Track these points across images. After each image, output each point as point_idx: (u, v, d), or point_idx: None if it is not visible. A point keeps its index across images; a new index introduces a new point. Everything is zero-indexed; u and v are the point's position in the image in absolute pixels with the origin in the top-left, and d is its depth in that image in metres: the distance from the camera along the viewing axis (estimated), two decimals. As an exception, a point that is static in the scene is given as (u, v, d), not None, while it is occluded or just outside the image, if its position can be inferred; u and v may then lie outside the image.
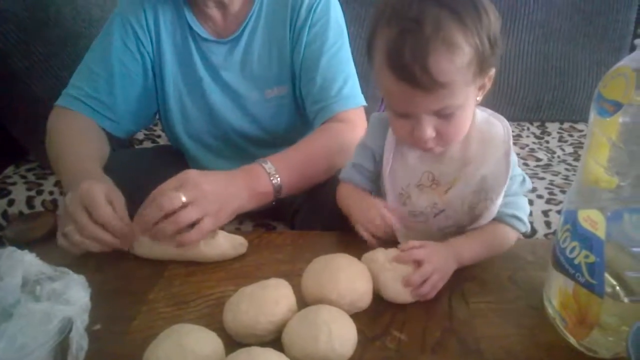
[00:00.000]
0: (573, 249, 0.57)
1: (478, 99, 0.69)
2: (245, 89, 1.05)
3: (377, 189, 0.81)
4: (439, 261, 0.67)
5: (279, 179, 0.84)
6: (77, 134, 0.96)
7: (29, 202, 1.33)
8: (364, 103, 1.03)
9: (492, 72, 0.68)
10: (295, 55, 1.02)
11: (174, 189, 0.73)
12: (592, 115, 0.55)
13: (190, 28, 1.02)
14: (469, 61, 0.62)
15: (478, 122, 0.73)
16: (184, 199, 0.72)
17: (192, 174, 0.76)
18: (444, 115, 0.65)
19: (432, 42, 0.60)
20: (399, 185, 0.75)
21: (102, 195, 0.73)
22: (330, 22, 1.01)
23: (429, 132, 0.66)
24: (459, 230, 0.76)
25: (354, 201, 0.79)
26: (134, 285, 0.72)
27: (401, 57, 0.61)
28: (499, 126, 0.73)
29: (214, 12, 1.00)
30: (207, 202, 0.74)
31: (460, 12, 0.61)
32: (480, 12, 0.63)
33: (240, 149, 1.11)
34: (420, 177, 0.74)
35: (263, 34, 1.02)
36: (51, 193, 1.35)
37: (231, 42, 1.03)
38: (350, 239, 0.79)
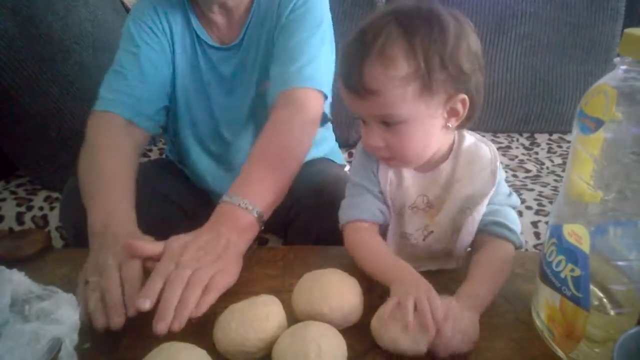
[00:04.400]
0: (559, 262, 0.58)
1: (449, 124, 0.69)
2: (248, 91, 1.08)
3: (387, 211, 0.75)
4: (460, 321, 0.60)
5: (250, 203, 0.79)
6: (114, 152, 0.91)
7: (19, 218, 1.32)
8: (325, 91, 0.98)
9: (462, 97, 0.66)
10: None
11: (174, 266, 0.68)
12: (575, 133, 0.56)
13: (197, 35, 1.05)
14: (404, 76, 0.63)
15: (466, 145, 0.73)
16: (189, 272, 0.67)
17: (175, 245, 0.71)
18: (390, 126, 0.67)
19: (370, 52, 0.63)
20: (396, 205, 0.75)
21: (139, 274, 0.69)
22: (308, 12, 1.00)
23: (375, 139, 0.68)
24: (447, 253, 0.76)
25: (394, 270, 0.67)
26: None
27: (344, 63, 0.66)
28: (486, 150, 0.74)
29: (218, 17, 1.03)
30: (208, 263, 0.70)
31: (411, 30, 0.63)
32: (433, 34, 0.63)
33: (244, 153, 1.12)
34: (414, 199, 0.74)
35: (260, 36, 1.05)
36: (41, 209, 1.34)
37: (234, 47, 1.06)
38: (340, 253, 0.79)
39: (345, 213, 0.76)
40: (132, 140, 0.98)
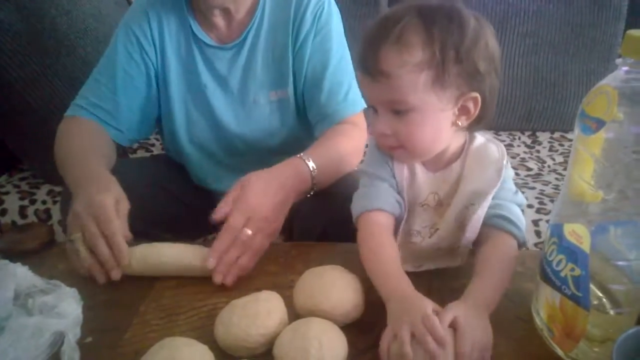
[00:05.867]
0: (559, 261, 0.58)
1: (459, 123, 0.68)
2: (248, 93, 1.07)
3: (403, 205, 0.74)
4: (474, 332, 0.57)
5: (316, 173, 0.88)
6: (83, 137, 0.97)
7: (22, 211, 1.33)
8: (365, 105, 1.05)
9: (474, 95, 0.66)
10: (297, 60, 1.04)
11: (245, 220, 0.77)
12: (576, 133, 0.56)
13: (195, 36, 1.04)
14: (417, 62, 0.63)
15: (475, 145, 0.73)
16: (249, 232, 0.76)
17: (251, 200, 0.78)
18: (400, 114, 0.67)
19: (388, 36, 0.64)
20: (407, 202, 0.74)
21: (113, 209, 0.75)
22: (332, 31, 1.05)
23: (383, 126, 0.68)
24: (451, 250, 0.76)
25: (390, 284, 0.65)
26: (126, 297, 0.72)
27: (363, 47, 0.67)
28: (494, 149, 0.73)
29: (219, 19, 1.02)
30: (263, 224, 0.78)
31: (430, 20, 0.64)
32: (452, 27, 0.64)
33: (243, 156, 1.12)
34: (426, 197, 0.74)
35: (266, 39, 1.05)
36: (44, 202, 1.35)
37: (235, 47, 1.05)
38: (342, 250, 0.79)
39: (360, 204, 0.73)
40: (106, 138, 1.00)
